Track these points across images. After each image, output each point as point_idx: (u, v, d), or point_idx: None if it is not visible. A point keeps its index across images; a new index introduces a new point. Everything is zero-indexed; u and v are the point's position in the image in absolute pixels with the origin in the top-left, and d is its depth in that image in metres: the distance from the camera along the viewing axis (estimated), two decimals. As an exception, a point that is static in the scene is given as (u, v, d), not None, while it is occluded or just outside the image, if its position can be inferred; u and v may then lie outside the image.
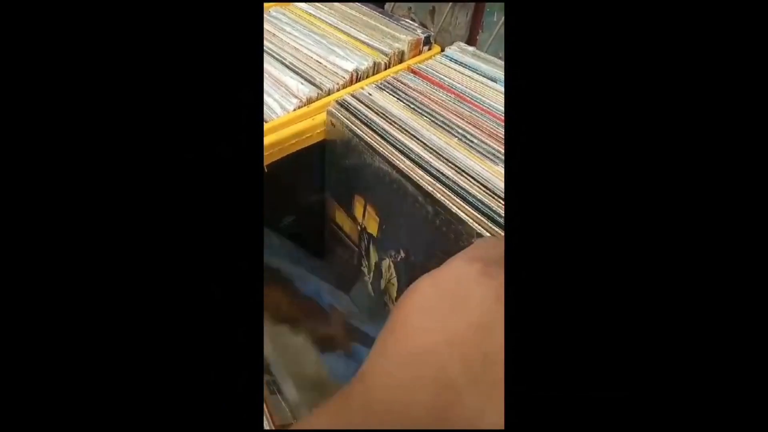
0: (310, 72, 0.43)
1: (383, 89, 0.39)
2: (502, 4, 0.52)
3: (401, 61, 0.45)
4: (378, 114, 0.36)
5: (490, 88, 0.38)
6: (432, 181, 0.31)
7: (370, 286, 0.43)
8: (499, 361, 0.17)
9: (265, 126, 0.37)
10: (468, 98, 0.37)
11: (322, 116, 0.39)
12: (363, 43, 0.46)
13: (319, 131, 0.40)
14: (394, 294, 0.39)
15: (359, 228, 0.41)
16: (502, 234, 0.27)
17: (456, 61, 0.42)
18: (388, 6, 0.62)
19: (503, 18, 0.53)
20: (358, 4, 0.52)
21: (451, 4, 0.54)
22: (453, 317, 0.18)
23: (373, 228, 0.39)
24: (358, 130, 0.35)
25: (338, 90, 0.42)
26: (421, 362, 0.17)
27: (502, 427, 0.16)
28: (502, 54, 0.53)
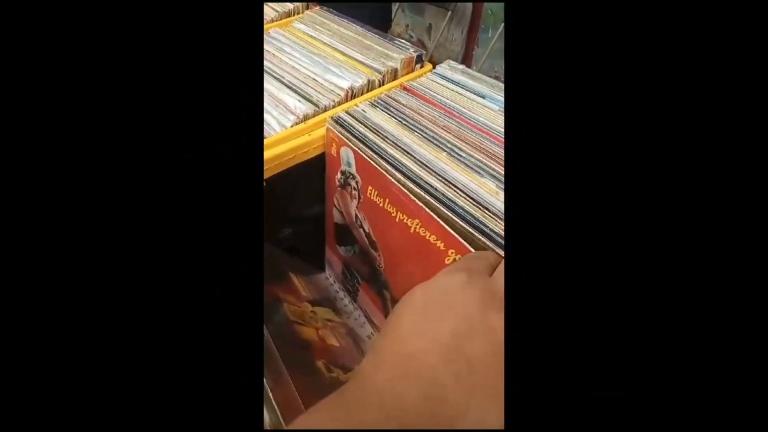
0: (307, 90, 0.45)
1: (376, 106, 0.41)
2: (495, 22, 0.54)
3: (394, 78, 0.47)
4: (371, 130, 0.38)
5: (478, 103, 0.40)
6: (422, 193, 0.32)
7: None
8: (481, 362, 0.18)
9: (264, 142, 0.39)
10: (457, 114, 0.39)
11: (319, 132, 0.41)
12: (358, 61, 0.48)
13: (315, 146, 0.41)
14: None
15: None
16: (488, 243, 0.28)
17: (446, 78, 0.44)
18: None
19: (497, 34, 0.54)
20: (355, 25, 0.54)
21: (446, 21, 0.56)
22: (439, 323, 0.19)
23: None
24: (353, 146, 0.37)
25: (334, 107, 0.43)
26: (411, 362, 0.19)
27: (484, 421, 0.17)
28: (497, 68, 0.55)
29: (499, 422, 0.18)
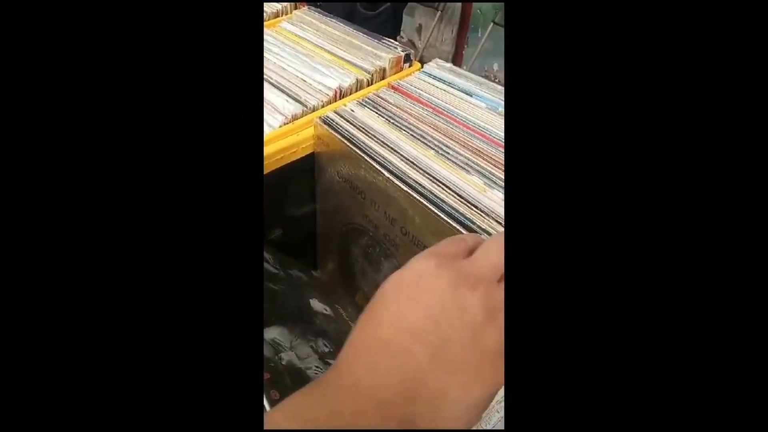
0: (295, 90, 0.45)
1: (365, 105, 0.41)
2: (485, 22, 0.54)
3: (383, 77, 0.47)
4: (359, 129, 0.38)
5: (466, 101, 0.40)
6: (408, 191, 0.32)
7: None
8: (457, 342, 0.19)
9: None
10: (444, 111, 0.39)
11: (308, 132, 0.41)
12: (346, 61, 0.48)
13: (304, 146, 0.41)
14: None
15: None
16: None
17: (434, 77, 0.44)
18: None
19: (486, 34, 0.55)
20: (343, 25, 0.54)
21: (436, 21, 0.57)
22: (412, 308, 0.20)
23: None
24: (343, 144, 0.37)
25: (322, 106, 0.43)
26: (386, 348, 0.19)
27: (465, 399, 0.17)
28: (487, 67, 0.55)
29: (482, 399, 0.18)
